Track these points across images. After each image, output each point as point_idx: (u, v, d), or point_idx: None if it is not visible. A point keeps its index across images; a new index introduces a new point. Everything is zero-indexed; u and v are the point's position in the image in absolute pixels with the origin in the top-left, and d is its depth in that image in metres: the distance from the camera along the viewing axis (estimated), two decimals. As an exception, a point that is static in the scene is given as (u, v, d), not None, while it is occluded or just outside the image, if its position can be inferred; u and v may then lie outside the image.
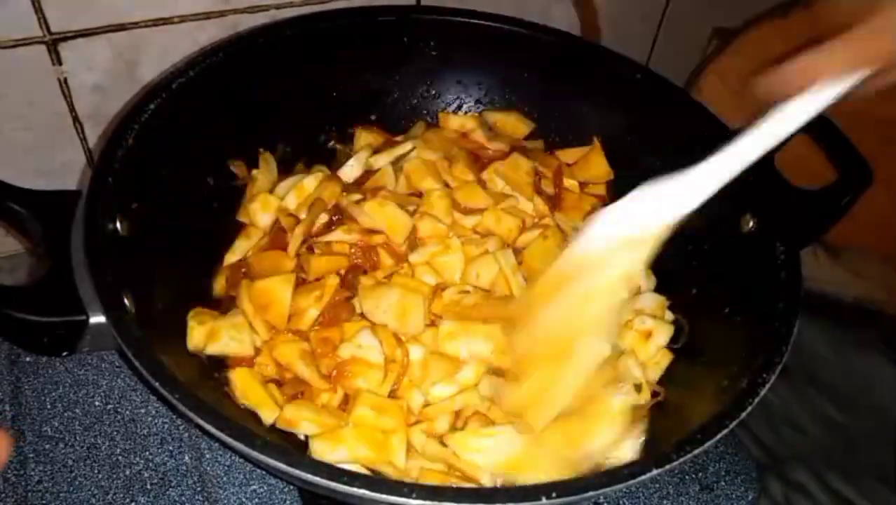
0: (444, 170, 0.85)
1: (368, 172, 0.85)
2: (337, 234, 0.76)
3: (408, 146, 0.86)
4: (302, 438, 0.66)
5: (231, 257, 0.79)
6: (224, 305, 0.75)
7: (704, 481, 0.80)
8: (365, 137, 0.90)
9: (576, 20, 1.09)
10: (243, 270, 0.77)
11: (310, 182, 0.81)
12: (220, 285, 0.77)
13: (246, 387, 0.68)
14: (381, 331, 0.70)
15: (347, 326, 0.71)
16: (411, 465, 0.65)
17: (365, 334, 0.69)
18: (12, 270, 0.93)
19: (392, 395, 0.69)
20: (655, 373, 0.74)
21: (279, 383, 0.71)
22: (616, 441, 0.66)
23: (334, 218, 0.78)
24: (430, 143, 0.87)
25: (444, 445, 0.66)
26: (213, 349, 0.69)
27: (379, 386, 0.68)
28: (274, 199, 0.81)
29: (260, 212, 0.80)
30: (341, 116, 0.90)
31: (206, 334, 0.69)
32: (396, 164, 0.85)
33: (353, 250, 0.76)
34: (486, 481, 0.63)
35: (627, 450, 0.67)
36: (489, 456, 0.63)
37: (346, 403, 0.68)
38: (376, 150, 0.87)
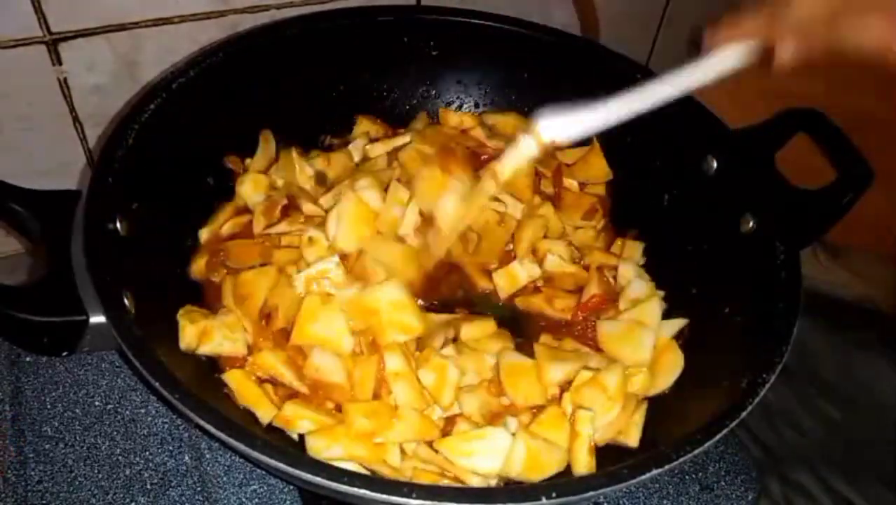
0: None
1: (365, 160, 0.85)
2: (281, 227, 0.77)
3: (406, 138, 0.86)
4: (295, 437, 0.66)
5: (207, 232, 0.78)
6: (207, 294, 0.75)
7: (704, 481, 0.80)
8: (364, 125, 0.90)
9: (576, 20, 1.09)
10: (221, 252, 0.76)
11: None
12: (198, 267, 0.76)
13: (242, 388, 0.67)
14: (330, 343, 0.68)
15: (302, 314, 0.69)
16: (405, 465, 0.65)
17: (316, 353, 0.68)
18: (12, 270, 0.93)
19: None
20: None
21: (274, 383, 0.70)
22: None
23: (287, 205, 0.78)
24: (429, 138, 0.87)
25: (435, 450, 0.65)
26: (205, 349, 0.68)
27: (359, 391, 0.67)
28: (263, 178, 0.81)
29: (252, 191, 0.80)
30: (341, 116, 0.90)
31: (198, 334, 0.68)
32: (392, 154, 0.85)
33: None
34: (477, 483, 0.63)
35: (633, 437, 0.68)
36: (481, 458, 0.63)
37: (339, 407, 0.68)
38: (374, 140, 0.87)
